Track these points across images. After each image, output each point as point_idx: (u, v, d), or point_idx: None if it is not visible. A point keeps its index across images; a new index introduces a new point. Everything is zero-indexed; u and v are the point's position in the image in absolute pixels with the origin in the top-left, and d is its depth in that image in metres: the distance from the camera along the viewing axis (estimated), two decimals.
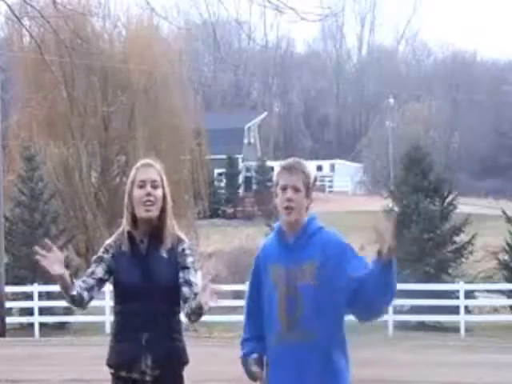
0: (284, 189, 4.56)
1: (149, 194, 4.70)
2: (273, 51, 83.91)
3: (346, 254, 4.51)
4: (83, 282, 4.71)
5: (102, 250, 4.82)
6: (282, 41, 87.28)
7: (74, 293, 4.60)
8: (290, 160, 4.68)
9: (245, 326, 4.76)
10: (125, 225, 4.77)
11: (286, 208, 4.54)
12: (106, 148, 38.26)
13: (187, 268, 4.75)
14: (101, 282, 4.75)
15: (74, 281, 4.62)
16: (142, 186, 4.73)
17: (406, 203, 26.91)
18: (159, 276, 4.68)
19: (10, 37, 38.67)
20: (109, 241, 4.84)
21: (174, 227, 4.79)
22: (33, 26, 27.51)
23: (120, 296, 4.75)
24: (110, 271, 4.77)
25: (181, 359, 4.76)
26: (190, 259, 4.78)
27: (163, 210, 4.75)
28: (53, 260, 4.47)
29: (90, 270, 4.78)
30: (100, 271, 4.74)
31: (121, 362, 4.68)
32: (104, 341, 4.90)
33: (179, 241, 4.79)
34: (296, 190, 4.54)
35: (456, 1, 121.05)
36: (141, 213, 4.71)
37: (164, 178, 4.81)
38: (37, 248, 4.51)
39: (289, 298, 4.47)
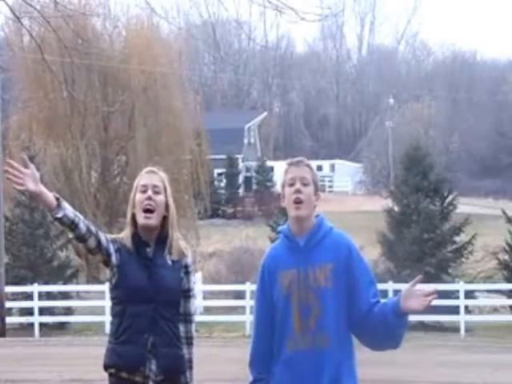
0: (292, 183, 4.43)
1: (149, 198, 4.65)
2: (273, 51, 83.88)
3: (352, 255, 4.45)
4: (84, 218, 4.56)
5: (108, 235, 4.72)
6: (281, 41, 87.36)
7: (60, 215, 4.41)
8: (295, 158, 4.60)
9: (255, 342, 4.56)
10: (129, 228, 4.72)
11: (295, 201, 4.40)
12: (105, 148, 38.24)
13: (189, 297, 4.78)
14: (97, 240, 4.56)
15: (63, 203, 4.42)
16: (143, 191, 4.69)
17: (406, 203, 26.93)
18: (165, 281, 4.65)
19: (10, 37, 38.66)
20: (112, 236, 4.76)
21: (178, 240, 4.74)
22: (33, 26, 27.50)
23: (123, 297, 4.65)
24: (103, 249, 4.59)
25: (182, 367, 4.75)
26: (192, 281, 4.81)
27: (166, 220, 4.70)
28: (28, 177, 4.35)
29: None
30: (102, 236, 4.60)
31: (124, 364, 4.61)
32: (104, 341, 4.87)
33: (183, 255, 4.77)
34: (304, 183, 4.43)
35: (456, 1, 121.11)
36: (140, 219, 4.67)
37: (168, 186, 4.75)
38: (9, 162, 4.33)
39: (303, 303, 4.37)
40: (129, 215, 4.73)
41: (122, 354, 4.62)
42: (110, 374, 4.69)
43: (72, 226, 4.47)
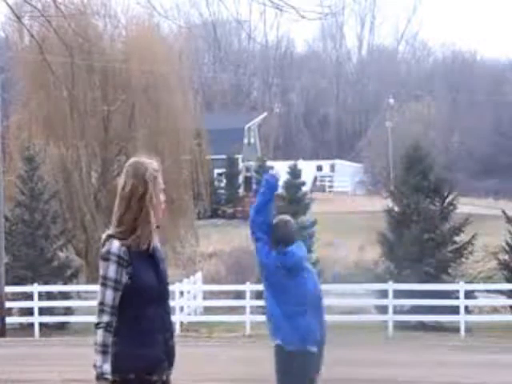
0: None
1: (165, 202, 4.65)
2: (273, 51, 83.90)
3: None
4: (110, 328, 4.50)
5: (114, 268, 4.47)
6: (282, 41, 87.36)
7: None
8: None
9: None
10: (130, 226, 4.53)
11: None
12: (105, 148, 38.26)
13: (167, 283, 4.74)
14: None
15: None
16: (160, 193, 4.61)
17: (406, 203, 26.90)
18: (166, 275, 4.65)
19: (11, 37, 38.70)
20: (114, 249, 4.49)
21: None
22: (33, 26, 27.50)
23: (137, 299, 4.54)
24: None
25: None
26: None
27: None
28: None
29: (112, 299, 4.48)
30: (118, 297, 4.52)
31: (147, 367, 4.52)
32: None
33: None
34: None
35: (456, 1, 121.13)
36: (158, 218, 4.55)
37: None
38: None
39: None
40: (132, 209, 4.51)
41: (142, 357, 4.52)
42: (125, 380, 4.51)
43: None
